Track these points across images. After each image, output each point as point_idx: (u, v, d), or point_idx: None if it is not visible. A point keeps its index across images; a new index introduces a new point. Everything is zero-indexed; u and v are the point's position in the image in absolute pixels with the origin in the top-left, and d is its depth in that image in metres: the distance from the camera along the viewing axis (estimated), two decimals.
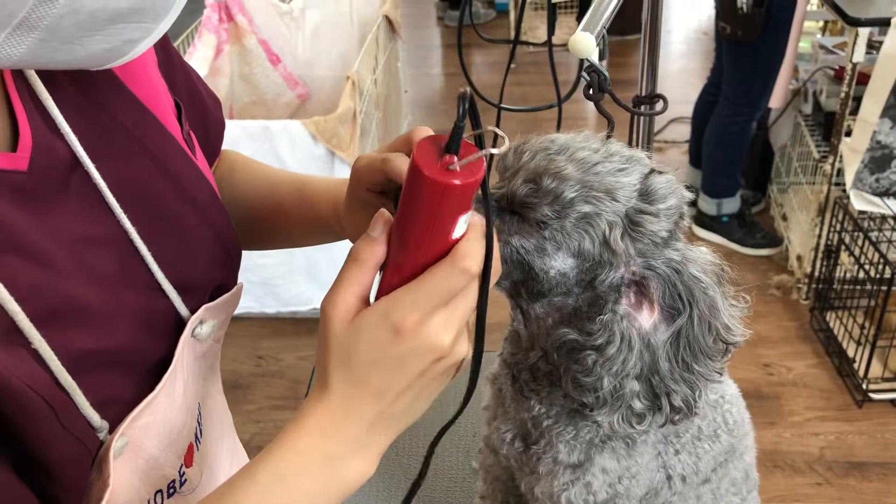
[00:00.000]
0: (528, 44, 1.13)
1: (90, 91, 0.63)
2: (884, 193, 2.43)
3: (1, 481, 0.51)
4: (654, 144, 1.08)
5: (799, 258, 2.84)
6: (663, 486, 0.82)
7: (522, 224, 0.67)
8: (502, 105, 1.14)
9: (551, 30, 1.14)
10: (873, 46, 2.51)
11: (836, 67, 2.86)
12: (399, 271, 0.56)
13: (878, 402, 2.38)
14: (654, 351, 0.66)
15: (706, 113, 3.11)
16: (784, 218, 3.07)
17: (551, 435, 0.77)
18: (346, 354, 0.55)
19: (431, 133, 0.70)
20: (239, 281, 0.77)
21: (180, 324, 0.68)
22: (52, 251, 0.56)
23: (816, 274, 2.67)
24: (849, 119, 2.46)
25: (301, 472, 0.56)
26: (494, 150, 0.53)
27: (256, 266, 2.61)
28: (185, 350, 0.67)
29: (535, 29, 4.88)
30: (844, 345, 2.47)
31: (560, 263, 0.67)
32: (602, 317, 0.66)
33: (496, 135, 0.55)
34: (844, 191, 2.50)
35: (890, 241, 2.38)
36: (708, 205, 3.09)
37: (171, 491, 0.68)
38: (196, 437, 0.73)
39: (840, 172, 2.53)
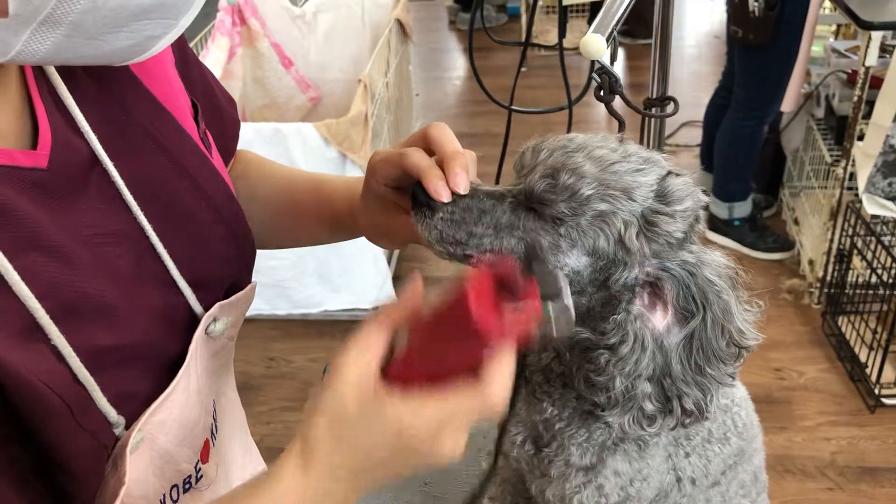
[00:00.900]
0: (539, 46, 1.13)
1: (109, 88, 0.64)
2: None
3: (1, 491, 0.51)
4: (665, 147, 1.09)
5: (811, 262, 2.83)
6: (673, 488, 0.82)
7: (537, 221, 0.67)
8: (513, 107, 1.15)
9: (562, 32, 1.15)
10: (886, 50, 2.50)
11: (849, 71, 2.85)
12: (422, 364, 0.55)
13: (891, 407, 2.37)
14: (666, 353, 0.66)
15: (718, 117, 3.10)
16: (796, 222, 3.05)
17: (563, 437, 0.78)
18: (347, 429, 0.55)
19: (447, 131, 0.70)
20: (252, 279, 0.78)
21: (194, 321, 0.68)
22: (72, 247, 0.57)
23: (828, 278, 2.66)
24: (861, 123, 2.45)
25: None
26: (552, 312, 0.51)
27: (268, 268, 2.62)
28: (199, 347, 0.68)
29: (547, 33, 4.88)
30: (857, 349, 2.46)
31: (574, 261, 0.67)
32: (616, 316, 0.66)
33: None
34: (857, 195, 2.49)
35: None
36: (719, 209, 3.08)
37: (187, 486, 0.69)
38: (212, 432, 0.73)
39: (852, 176, 2.52)
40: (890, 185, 2.40)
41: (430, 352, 0.55)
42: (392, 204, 0.76)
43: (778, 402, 2.44)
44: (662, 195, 0.66)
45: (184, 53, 0.77)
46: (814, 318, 2.74)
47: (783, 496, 2.15)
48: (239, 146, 0.91)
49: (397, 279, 2.92)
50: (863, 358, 2.42)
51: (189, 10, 0.54)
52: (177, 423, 0.65)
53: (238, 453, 0.83)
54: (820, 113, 2.98)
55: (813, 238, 2.83)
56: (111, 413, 0.58)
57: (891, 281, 2.30)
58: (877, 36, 2.29)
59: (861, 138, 2.44)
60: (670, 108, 0.92)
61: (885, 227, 2.46)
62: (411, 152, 0.69)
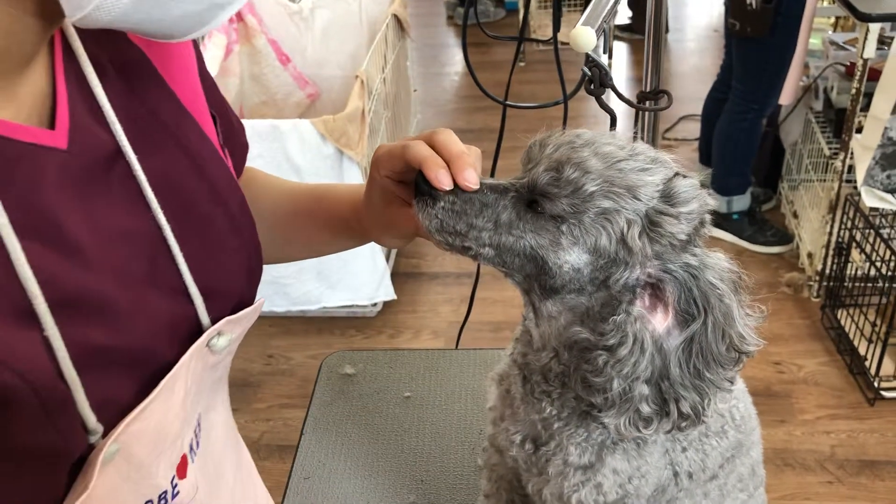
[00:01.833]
0: (534, 41, 1.12)
1: (135, 84, 0.64)
2: (895, 190, 2.41)
3: None
4: (664, 141, 1.08)
5: (810, 255, 2.82)
6: (670, 483, 0.81)
7: (538, 219, 0.66)
8: (507, 102, 1.14)
9: (556, 26, 1.14)
10: (884, 42, 2.49)
11: (847, 64, 2.84)
12: None
13: (890, 400, 2.37)
14: (665, 355, 0.65)
15: (716, 110, 3.10)
16: (795, 215, 3.05)
17: (562, 437, 0.77)
18: None
19: (452, 135, 0.71)
20: (259, 297, 0.77)
21: (198, 332, 0.67)
22: (85, 239, 0.56)
23: (827, 271, 2.65)
24: (860, 116, 2.44)
25: None
26: None
27: (266, 266, 2.61)
28: (193, 358, 0.66)
29: (546, 27, 4.87)
30: (856, 343, 2.46)
31: (575, 258, 0.66)
32: (615, 317, 0.65)
33: None
34: (856, 188, 2.48)
35: None
36: (718, 202, 3.07)
37: (162, 502, 0.66)
38: (191, 448, 0.71)
39: (851, 169, 2.51)
40: (889, 177, 2.40)
41: None
42: (395, 197, 0.78)
43: (777, 396, 2.44)
44: (668, 196, 0.65)
45: (202, 70, 0.77)
46: (813, 311, 2.73)
47: (783, 490, 2.15)
48: None
49: (395, 276, 2.92)
50: (862, 351, 2.42)
51: None
52: (154, 434, 0.63)
53: (229, 472, 0.81)
54: (818, 106, 2.97)
55: (812, 231, 2.83)
56: (91, 419, 0.55)
57: (889, 273, 2.30)
58: (875, 28, 2.29)
59: (859, 131, 2.43)
60: (664, 101, 0.91)
61: (884, 220, 2.46)
62: (414, 143, 0.70)
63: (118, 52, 0.63)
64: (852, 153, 2.48)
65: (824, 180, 2.77)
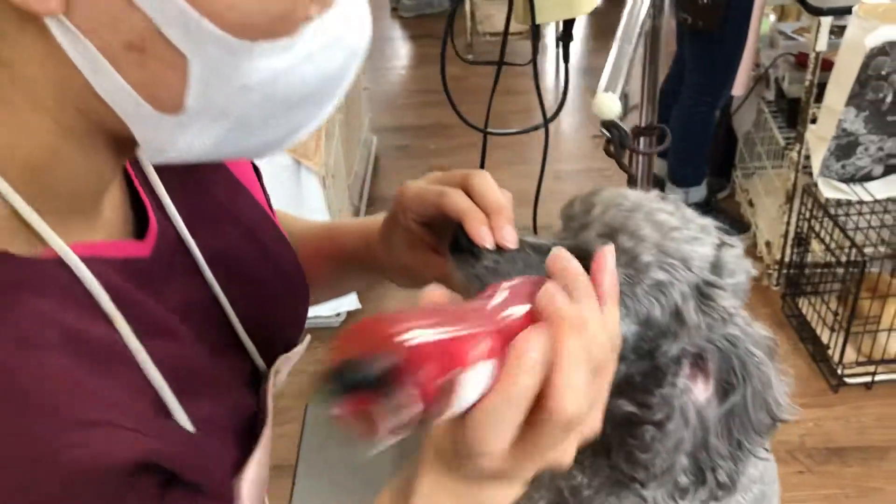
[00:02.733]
0: (513, 65, 1.09)
1: (191, 169, 0.63)
2: (850, 179, 2.45)
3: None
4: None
5: (768, 244, 2.86)
6: None
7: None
8: (488, 130, 1.11)
9: (535, 50, 1.11)
10: (833, 32, 2.52)
11: (797, 53, 2.88)
12: None
13: (853, 386, 2.41)
14: (706, 426, 0.64)
15: (669, 102, 3.11)
16: (751, 204, 3.09)
17: None
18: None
19: (488, 179, 0.66)
20: (307, 336, 0.80)
21: (258, 378, 0.70)
22: (174, 323, 0.58)
23: (786, 260, 2.69)
24: (813, 107, 2.47)
25: None
26: None
27: None
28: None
29: (491, 17, 4.84)
30: (818, 331, 2.50)
31: (624, 329, 0.62)
32: (661, 390, 0.63)
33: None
34: (811, 176, 2.51)
35: (857, 227, 2.41)
36: (675, 195, 3.09)
37: None
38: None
39: (807, 159, 2.55)
40: (843, 167, 2.43)
41: None
42: (419, 241, 0.73)
43: None
44: (717, 267, 0.63)
45: None
46: (773, 300, 2.77)
47: None
48: None
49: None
50: (824, 339, 2.46)
51: (334, 98, 0.54)
52: (260, 482, 0.63)
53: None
54: (770, 95, 3.00)
55: (769, 220, 2.86)
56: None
57: (848, 260, 2.34)
58: (826, 21, 2.31)
59: (814, 121, 2.46)
60: (667, 141, 0.89)
61: (839, 209, 2.50)
62: (452, 192, 0.65)
63: None
64: (808, 144, 2.51)
65: (781, 166, 2.80)
